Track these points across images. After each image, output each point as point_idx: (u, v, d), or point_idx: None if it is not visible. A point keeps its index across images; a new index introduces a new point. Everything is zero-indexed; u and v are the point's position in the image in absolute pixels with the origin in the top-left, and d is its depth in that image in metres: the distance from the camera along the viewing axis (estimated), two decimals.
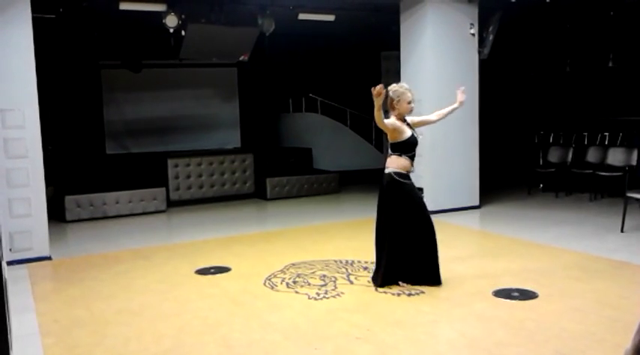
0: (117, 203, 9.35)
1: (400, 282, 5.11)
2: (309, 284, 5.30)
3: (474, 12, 8.81)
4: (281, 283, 5.37)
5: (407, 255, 5.05)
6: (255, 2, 9.43)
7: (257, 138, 13.40)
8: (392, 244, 5.02)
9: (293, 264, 6.01)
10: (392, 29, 9.52)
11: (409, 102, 5.04)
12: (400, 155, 5.04)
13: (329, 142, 13.15)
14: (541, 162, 10.58)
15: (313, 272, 5.69)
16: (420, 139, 5.21)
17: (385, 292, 5.01)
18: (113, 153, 12.40)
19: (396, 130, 5.02)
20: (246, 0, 9.37)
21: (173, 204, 10.19)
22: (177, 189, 10.42)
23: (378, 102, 4.68)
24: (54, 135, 10.57)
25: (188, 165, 10.53)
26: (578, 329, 4.08)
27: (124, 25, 10.77)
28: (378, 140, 13.22)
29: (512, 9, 8.85)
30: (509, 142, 12.11)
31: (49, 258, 6.65)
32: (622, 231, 7.17)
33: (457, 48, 8.75)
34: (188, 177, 10.51)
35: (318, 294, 5.01)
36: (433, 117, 5.47)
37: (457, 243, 6.94)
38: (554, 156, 10.34)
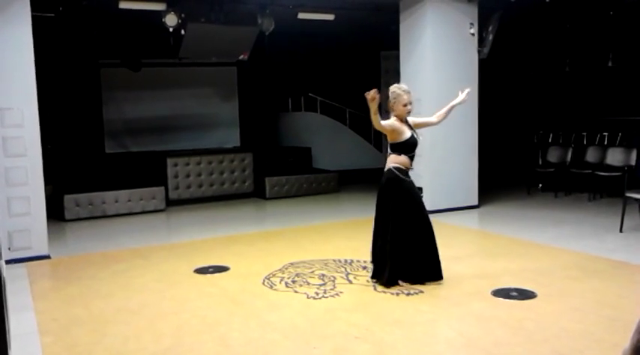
0: (116, 202, 9.35)
1: (400, 281, 5.11)
2: (308, 284, 5.30)
3: (473, 11, 8.81)
4: (280, 282, 5.37)
5: (408, 253, 5.06)
6: (254, 1, 9.43)
7: (256, 138, 13.39)
8: (394, 242, 5.02)
9: (292, 264, 6.01)
10: (391, 29, 9.52)
11: (405, 105, 5.03)
12: (399, 154, 5.06)
13: (328, 142, 13.15)
14: (540, 162, 10.58)
15: (312, 272, 5.69)
16: (420, 140, 5.21)
17: (384, 291, 5.01)
18: (112, 152, 12.38)
19: (395, 131, 5.02)
20: None
21: (172, 203, 10.19)
22: (177, 188, 10.42)
23: (372, 107, 4.70)
24: (53, 133, 10.56)
25: (187, 164, 10.53)
26: (577, 328, 4.08)
27: (124, 24, 10.76)
28: (377, 139, 13.22)
29: (512, 9, 8.86)
30: (509, 142, 12.11)
31: (47, 257, 6.64)
32: (621, 231, 7.18)
33: (457, 47, 8.75)
34: (187, 176, 10.51)
35: (317, 294, 5.01)
36: (434, 118, 5.44)
37: (456, 243, 6.94)
38: (553, 155, 10.34)
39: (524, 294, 4.85)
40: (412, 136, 5.05)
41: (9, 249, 6.40)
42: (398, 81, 9.08)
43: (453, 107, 5.41)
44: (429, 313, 4.52)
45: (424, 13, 8.58)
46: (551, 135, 11.06)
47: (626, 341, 1.69)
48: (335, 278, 5.47)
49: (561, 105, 11.73)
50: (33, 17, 6.53)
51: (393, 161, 5.08)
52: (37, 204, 6.60)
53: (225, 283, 5.46)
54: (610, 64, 10.57)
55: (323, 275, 5.57)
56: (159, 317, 4.59)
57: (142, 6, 9.01)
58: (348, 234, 7.51)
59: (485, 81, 9.42)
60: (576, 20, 10.62)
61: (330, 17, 10.18)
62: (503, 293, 4.89)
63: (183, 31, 9.31)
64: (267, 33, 9.80)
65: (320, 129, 13.32)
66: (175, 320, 4.50)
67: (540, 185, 10.59)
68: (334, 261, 6.07)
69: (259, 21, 9.66)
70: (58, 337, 4.22)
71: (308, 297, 4.93)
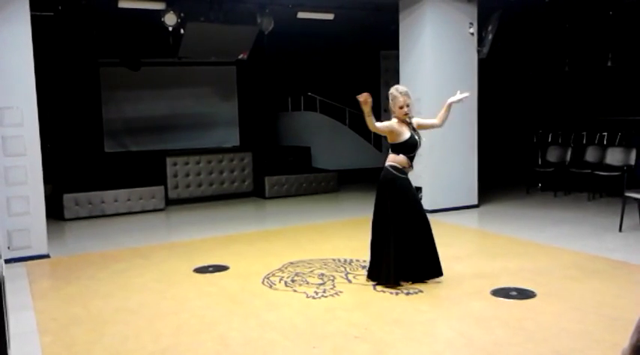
0: (115, 201, 9.34)
1: (401, 281, 5.11)
2: (307, 283, 5.30)
3: (473, 11, 8.81)
4: (279, 282, 5.37)
5: (408, 252, 5.06)
6: (254, 1, 9.43)
7: (256, 137, 13.39)
8: (395, 242, 5.01)
9: (291, 263, 6.01)
10: (391, 28, 9.52)
11: (401, 107, 5.01)
12: (398, 154, 5.06)
13: (328, 141, 13.16)
14: (540, 162, 10.58)
15: (311, 271, 5.68)
16: (423, 141, 5.17)
17: (383, 291, 5.01)
18: (112, 151, 12.38)
19: (393, 132, 5.02)
20: None
21: (172, 203, 10.19)
22: (176, 187, 10.41)
23: (366, 110, 4.70)
24: (52, 133, 10.56)
25: (187, 163, 10.53)
26: (577, 328, 4.08)
27: (123, 23, 10.75)
28: (377, 139, 13.23)
29: (512, 8, 8.86)
30: (508, 141, 12.11)
31: (47, 256, 6.64)
32: (620, 230, 7.18)
33: (456, 47, 8.74)
34: (187, 175, 10.50)
35: (316, 293, 5.01)
36: (437, 121, 5.32)
37: (455, 243, 6.94)
38: (552, 155, 10.35)
39: (524, 294, 4.85)
40: (412, 137, 5.04)
41: (8, 248, 6.40)
42: (397, 80, 9.10)
43: (450, 105, 5.31)
44: (429, 312, 4.52)
45: (423, 13, 8.58)
46: (550, 135, 11.07)
47: (626, 341, 1.69)
48: (334, 277, 5.46)
49: (561, 104, 11.74)
50: (32, 16, 6.53)
51: (391, 160, 5.09)
52: (36, 203, 6.60)
53: (225, 282, 5.46)
54: (609, 64, 10.58)
55: (322, 274, 5.57)
56: (158, 316, 4.58)
57: (141, 5, 9.01)
58: (347, 234, 7.51)
59: (484, 80, 9.43)
60: (576, 20, 10.62)
61: (330, 17, 10.18)
62: (502, 292, 4.89)
63: (182, 31, 9.31)
64: (266, 32, 9.80)
65: (319, 128, 13.33)
66: (174, 319, 4.49)
67: (540, 184, 10.59)
68: (334, 260, 6.07)
69: (259, 20, 9.65)
70: (57, 336, 4.21)
71: (307, 297, 4.92)
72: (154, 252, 6.75)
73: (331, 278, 5.45)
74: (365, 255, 5.57)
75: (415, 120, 5.19)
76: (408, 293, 4.93)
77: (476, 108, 8.92)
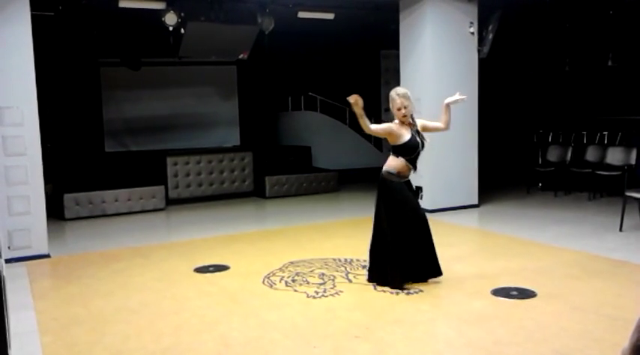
0: (116, 201, 9.34)
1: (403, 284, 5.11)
2: (307, 283, 5.30)
3: (473, 11, 8.81)
4: (280, 281, 5.37)
5: (408, 254, 5.05)
6: (254, 0, 9.43)
7: (256, 137, 13.40)
8: (394, 244, 5.00)
9: (292, 263, 6.01)
10: (391, 28, 9.52)
11: (399, 109, 4.98)
12: (397, 157, 5.04)
13: (328, 141, 13.16)
14: (540, 161, 10.58)
15: (312, 271, 5.69)
16: (426, 142, 5.10)
17: (384, 291, 5.01)
18: (112, 151, 12.39)
19: (392, 134, 5.00)
20: None
21: (172, 202, 10.19)
22: (176, 187, 10.41)
23: (357, 111, 4.69)
24: (53, 132, 10.57)
25: (187, 163, 10.53)
26: (577, 328, 4.08)
27: (124, 23, 10.76)
28: (377, 138, 13.21)
29: (512, 8, 8.86)
30: (509, 141, 12.11)
31: (47, 256, 6.64)
32: (621, 230, 7.18)
33: (456, 47, 8.74)
34: (187, 175, 10.50)
35: (316, 293, 5.01)
36: (441, 124, 5.28)
37: (456, 242, 6.93)
38: (553, 155, 10.34)
39: (524, 293, 4.85)
40: (412, 139, 4.99)
41: (9, 247, 6.40)
42: (398, 80, 9.11)
43: (448, 106, 5.24)
44: (429, 312, 4.52)
45: (424, 12, 8.57)
46: (551, 135, 11.07)
47: (626, 341, 1.69)
48: (335, 277, 5.47)
49: (561, 104, 11.74)
50: (32, 16, 6.53)
51: (387, 164, 5.07)
52: (36, 203, 6.60)
53: (225, 282, 5.46)
54: (610, 64, 10.57)
55: (323, 274, 5.57)
56: (159, 316, 4.58)
57: (141, 5, 9.01)
58: (347, 233, 7.51)
59: (485, 80, 9.42)
60: (576, 19, 10.61)
61: (330, 16, 10.18)
62: (503, 292, 4.89)
63: (183, 30, 9.31)
64: (267, 32, 9.80)
65: (320, 128, 13.33)
66: (175, 319, 4.49)
67: (540, 184, 10.59)
68: (334, 260, 6.07)
69: (259, 20, 9.66)
70: (57, 336, 4.21)
71: (308, 296, 4.93)
72: (155, 252, 6.75)
73: (332, 277, 5.45)
74: (365, 255, 5.57)
75: (420, 123, 5.15)
76: (408, 293, 4.93)
77: (476, 108, 8.92)
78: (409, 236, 5.03)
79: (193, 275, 5.74)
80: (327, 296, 4.92)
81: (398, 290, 4.97)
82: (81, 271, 6.00)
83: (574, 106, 11.41)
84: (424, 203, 8.07)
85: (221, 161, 10.83)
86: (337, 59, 13.78)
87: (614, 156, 9.34)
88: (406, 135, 4.99)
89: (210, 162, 10.73)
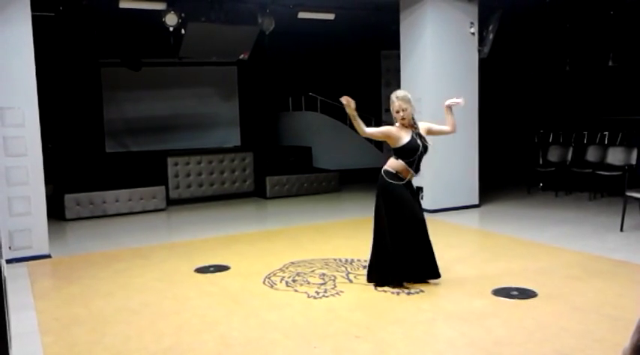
0: (116, 201, 9.35)
1: (403, 282, 5.10)
2: (308, 283, 5.30)
3: (473, 11, 8.81)
4: (280, 282, 5.37)
5: (406, 255, 5.05)
6: (255, 1, 9.44)
7: (257, 137, 13.40)
8: (393, 245, 5.00)
9: (292, 263, 6.01)
10: (392, 28, 9.52)
11: (397, 111, 4.98)
12: (397, 159, 5.03)
13: (329, 141, 13.15)
14: (541, 162, 10.58)
15: (313, 271, 5.69)
16: (429, 145, 5.06)
17: (384, 291, 5.01)
18: (113, 151, 12.40)
19: (391, 137, 4.99)
20: None
21: (173, 203, 10.19)
22: (177, 187, 10.42)
23: (350, 113, 4.68)
24: (54, 133, 10.57)
25: (188, 163, 10.53)
26: (578, 328, 4.08)
27: (124, 24, 10.77)
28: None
29: (512, 8, 8.86)
30: (509, 141, 12.11)
31: (48, 256, 6.65)
32: (621, 230, 7.17)
33: (457, 47, 8.74)
34: (188, 175, 10.51)
35: (317, 293, 5.01)
36: (447, 128, 5.24)
37: (457, 242, 6.93)
38: (553, 155, 10.34)
39: (525, 294, 4.85)
40: (410, 142, 4.96)
41: (10, 248, 6.40)
42: (398, 80, 9.12)
43: (449, 108, 5.21)
44: (430, 312, 4.52)
45: (424, 13, 8.57)
46: (551, 135, 11.06)
47: (627, 341, 1.69)
48: (335, 277, 5.47)
49: (562, 104, 11.73)
50: (33, 17, 6.53)
51: (387, 165, 5.07)
52: (37, 203, 6.60)
53: (226, 282, 5.47)
54: (610, 64, 10.57)
55: (323, 274, 5.57)
56: (159, 316, 4.59)
57: (142, 5, 9.03)
58: (348, 234, 7.51)
59: (485, 80, 9.42)
60: (576, 20, 10.62)
61: (331, 17, 10.19)
62: (503, 292, 4.89)
63: (183, 31, 9.33)
64: (267, 32, 9.81)
65: (320, 128, 13.32)
66: (176, 319, 4.50)
67: (541, 184, 10.59)
68: (335, 260, 6.07)
69: (259, 20, 9.67)
70: (58, 336, 4.22)
71: (308, 297, 4.93)
72: (155, 252, 6.76)
73: (332, 278, 5.45)
74: (366, 255, 5.57)
75: (425, 126, 5.13)
76: (409, 293, 4.93)
77: (477, 108, 8.92)
78: (406, 237, 5.02)
79: (194, 275, 5.75)
80: (327, 297, 4.92)
81: (398, 290, 4.97)
82: (82, 271, 6.01)
83: (575, 106, 11.41)
84: (425, 203, 8.07)
85: (222, 161, 10.83)
86: (338, 59, 13.78)
87: (615, 156, 9.34)
88: (405, 138, 4.97)
89: (210, 162, 10.73)
